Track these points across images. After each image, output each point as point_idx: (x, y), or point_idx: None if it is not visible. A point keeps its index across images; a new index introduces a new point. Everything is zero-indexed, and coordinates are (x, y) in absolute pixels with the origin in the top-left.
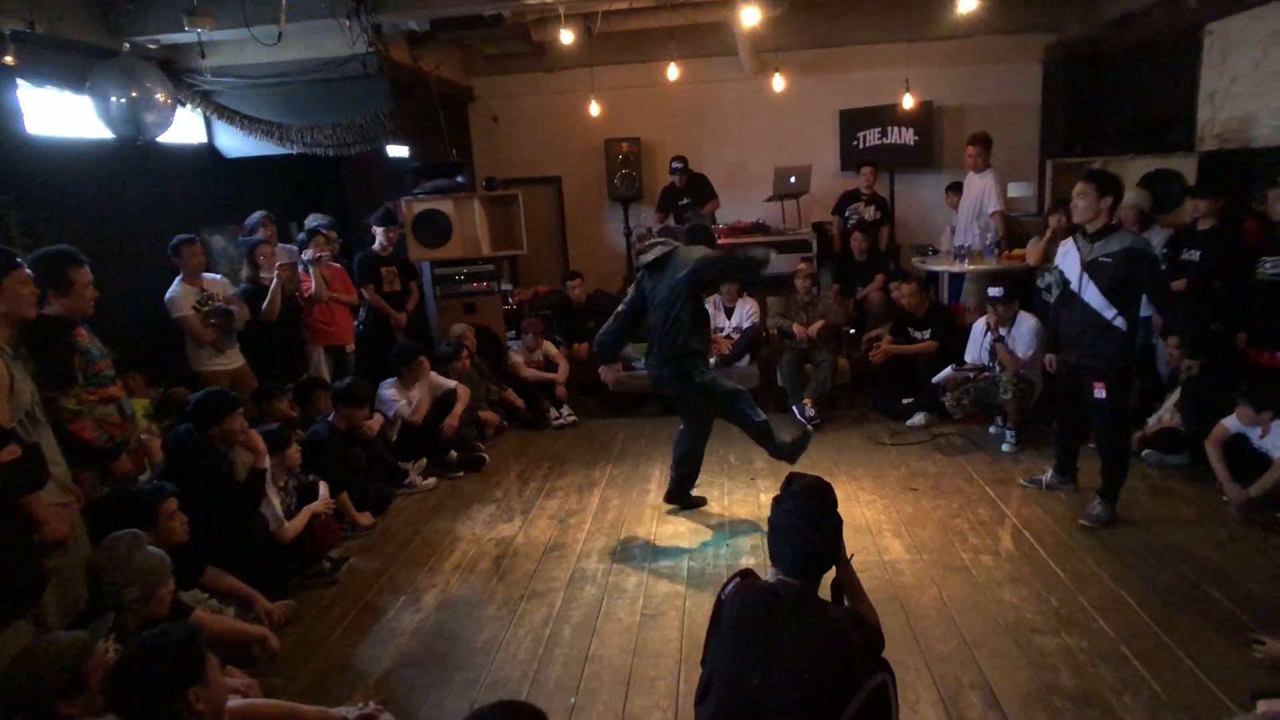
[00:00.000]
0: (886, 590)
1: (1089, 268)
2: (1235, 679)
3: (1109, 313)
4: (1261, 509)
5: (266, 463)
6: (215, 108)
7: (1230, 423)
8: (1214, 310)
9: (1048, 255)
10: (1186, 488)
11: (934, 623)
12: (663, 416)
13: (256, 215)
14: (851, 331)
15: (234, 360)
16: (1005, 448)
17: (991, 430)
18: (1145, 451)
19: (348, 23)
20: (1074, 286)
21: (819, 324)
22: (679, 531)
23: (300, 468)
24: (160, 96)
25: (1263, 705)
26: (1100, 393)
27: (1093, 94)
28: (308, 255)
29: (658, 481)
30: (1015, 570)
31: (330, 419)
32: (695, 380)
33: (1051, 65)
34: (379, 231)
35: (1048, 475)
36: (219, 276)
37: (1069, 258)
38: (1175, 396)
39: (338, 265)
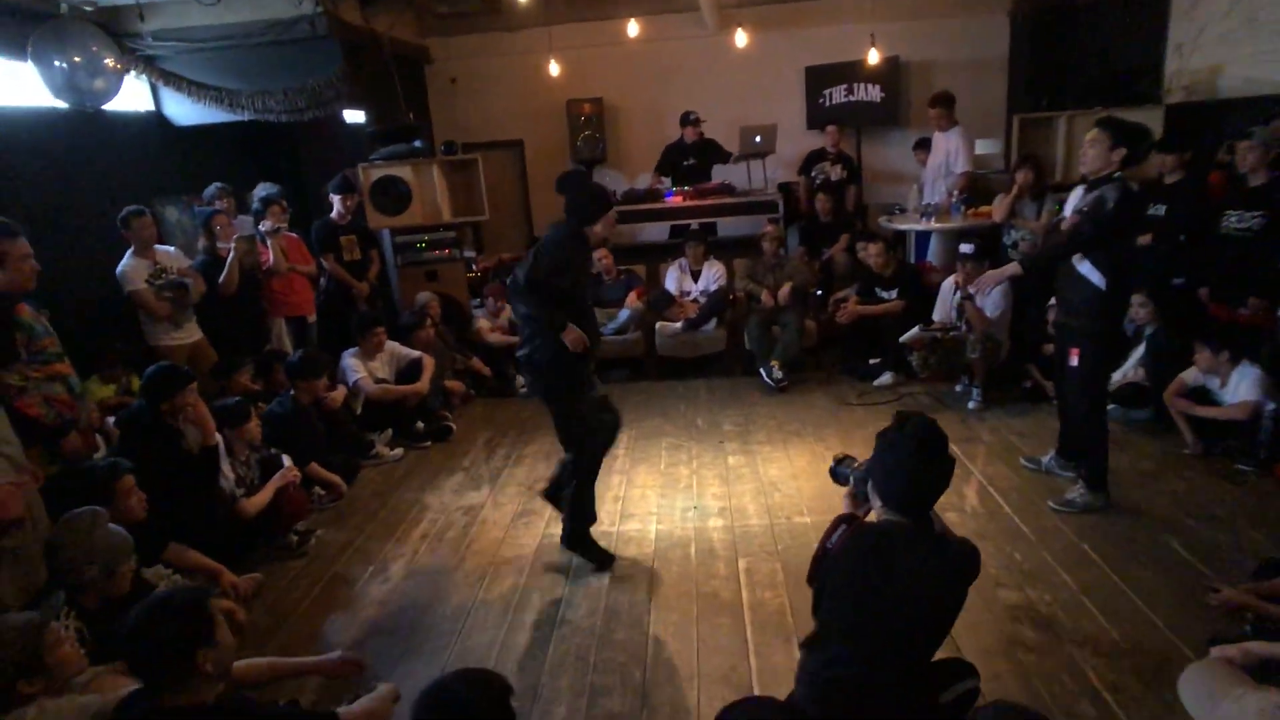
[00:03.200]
0: None
1: (1079, 214)
2: (1192, 627)
3: (1087, 268)
4: (1221, 455)
5: (217, 438)
6: (160, 74)
7: (1189, 375)
8: (1176, 264)
9: (1014, 211)
10: (1149, 442)
11: None
12: (630, 381)
13: (213, 188)
14: (818, 293)
15: (191, 334)
16: (971, 405)
17: (958, 389)
18: (1110, 406)
19: None
20: None
21: (786, 286)
22: (647, 495)
23: (262, 441)
24: (108, 61)
25: (1215, 651)
26: (1073, 359)
27: (1060, 47)
28: (264, 226)
29: (625, 445)
30: (980, 527)
31: (291, 393)
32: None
33: (1019, 19)
34: (336, 199)
35: (1048, 457)
36: (172, 249)
37: (1069, 207)
38: (1139, 352)
39: (294, 235)
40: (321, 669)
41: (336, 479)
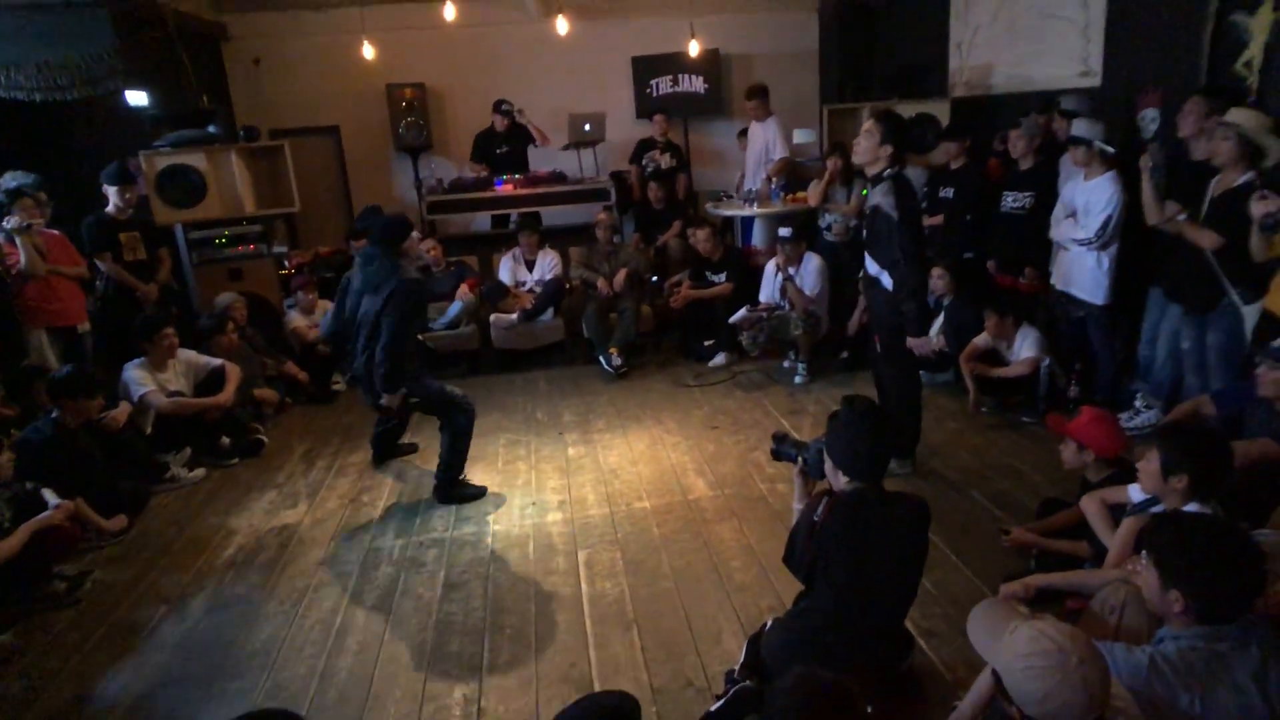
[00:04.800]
0: (690, 529)
1: (867, 218)
2: (992, 569)
3: (873, 267)
4: (1010, 411)
5: None
6: None
7: (981, 340)
8: (966, 241)
9: (827, 196)
10: (950, 402)
11: (734, 554)
12: (467, 377)
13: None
14: (654, 279)
15: None
16: (798, 380)
17: (785, 365)
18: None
19: None
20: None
21: (622, 273)
22: (483, 496)
23: (15, 476)
24: None
25: (1003, 588)
26: (877, 345)
27: (862, 42)
28: (10, 223)
29: None
30: None
31: (55, 415)
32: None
33: (826, 15)
34: (112, 191)
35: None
36: None
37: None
38: (940, 321)
39: (55, 232)
40: None
41: (113, 523)
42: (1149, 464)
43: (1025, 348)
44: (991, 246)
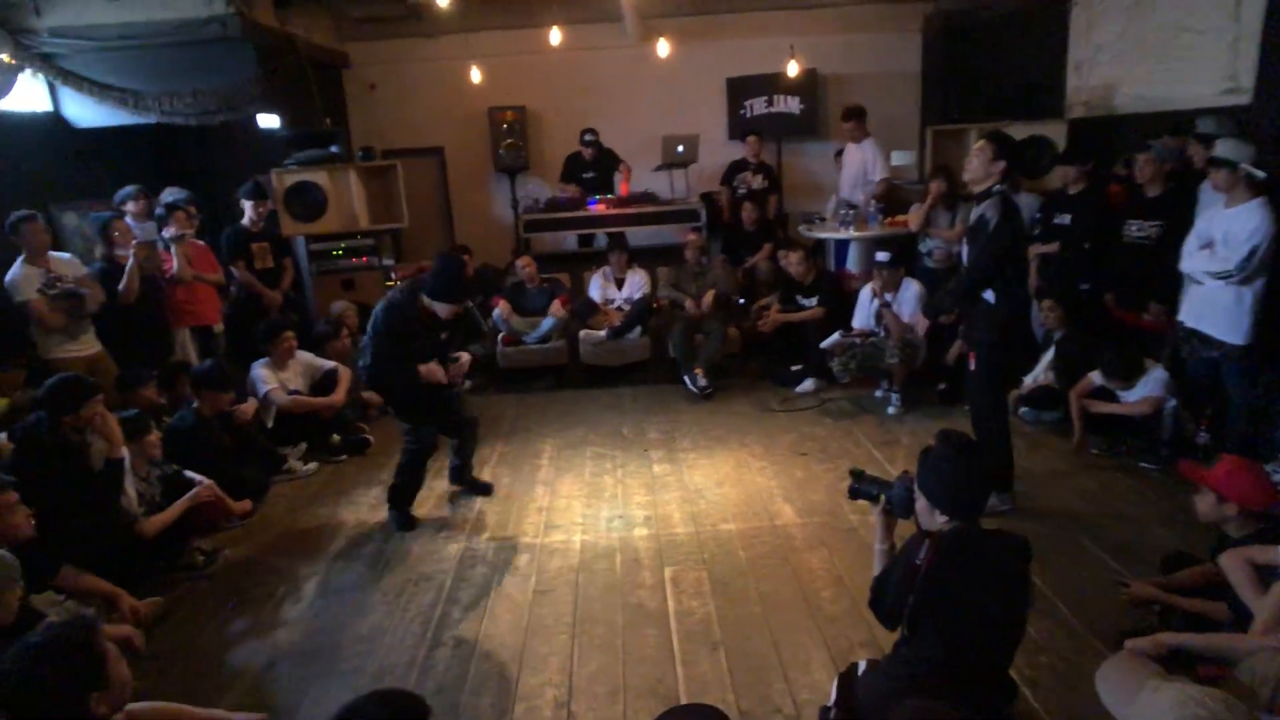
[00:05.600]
0: (778, 555)
1: (968, 233)
2: (1104, 621)
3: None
4: (1127, 456)
5: (124, 451)
6: (59, 72)
7: (1096, 376)
8: (1083, 272)
9: (928, 221)
10: (1060, 442)
11: (824, 584)
12: (555, 391)
13: (126, 190)
14: (740, 300)
15: (89, 346)
16: (891, 410)
17: (878, 394)
18: (1021, 409)
19: None
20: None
21: (710, 294)
22: (572, 506)
23: (163, 458)
24: (3, 57)
25: (1129, 644)
26: (971, 363)
27: (970, 62)
28: (168, 233)
29: (549, 456)
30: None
31: (195, 406)
32: None
33: (930, 34)
34: (248, 205)
35: None
36: (68, 256)
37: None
38: (1049, 356)
39: (200, 243)
40: None
41: (239, 505)
42: None
43: (1148, 387)
44: (1111, 278)
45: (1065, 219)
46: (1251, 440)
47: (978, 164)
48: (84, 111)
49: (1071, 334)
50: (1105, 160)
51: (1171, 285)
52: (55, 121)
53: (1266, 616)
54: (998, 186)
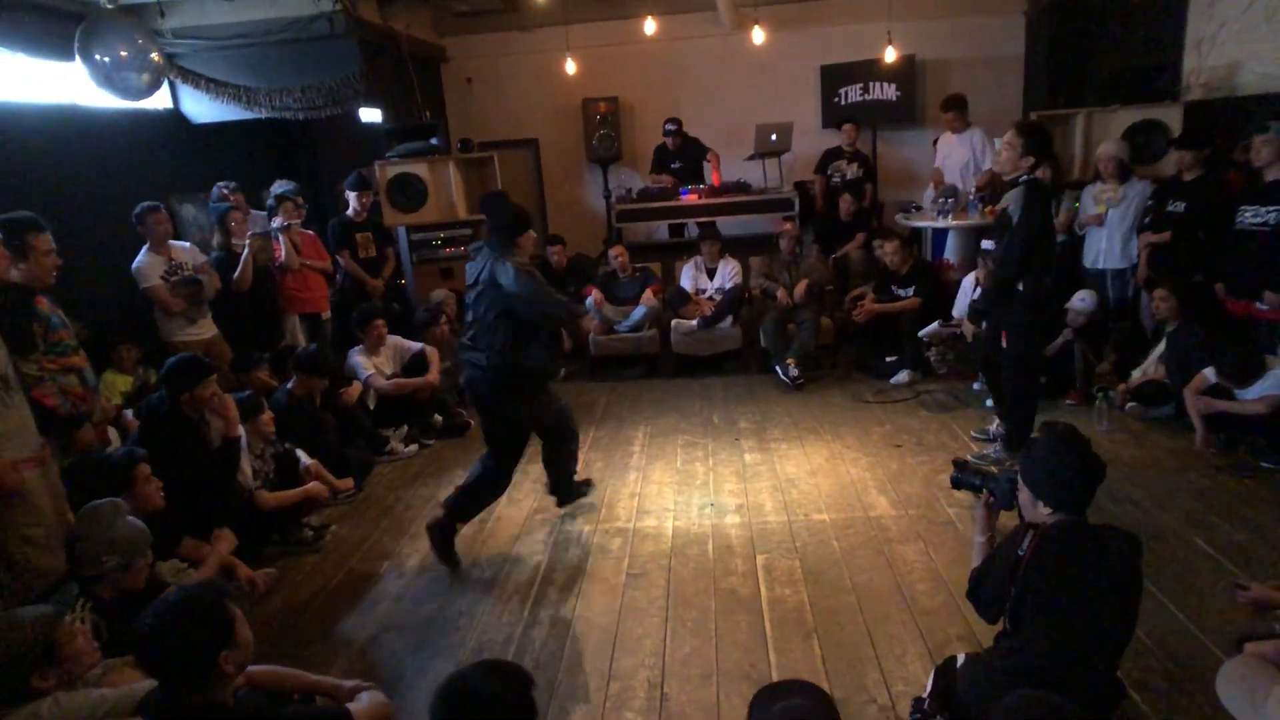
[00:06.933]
0: (872, 546)
1: (994, 224)
2: (1219, 624)
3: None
4: (1247, 454)
5: (240, 430)
6: (179, 71)
7: (1210, 373)
8: (1198, 261)
9: None
10: (1171, 439)
11: (920, 577)
12: (646, 379)
13: (220, 185)
14: (829, 289)
15: (206, 330)
16: (990, 403)
17: (975, 386)
18: (1130, 404)
19: None
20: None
21: (803, 284)
22: (663, 492)
23: (276, 436)
24: (154, 56)
25: (1249, 647)
26: (1003, 341)
27: (1077, 44)
28: (277, 223)
29: (641, 443)
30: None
31: (289, 387)
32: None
33: (1035, 16)
34: (352, 196)
35: (995, 425)
36: (188, 245)
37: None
38: (1160, 349)
39: (309, 232)
40: (336, 694)
41: (343, 483)
42: None
43: (1267, 384)
44: (1223, 267)
45: (1179, 206)
46: None
47: (1007, 157)
48: (201, 108)
49: (1184, 326)
50: (1225, 145)
51: None
52: (175, 118)
53: None
54: (1025, 176)
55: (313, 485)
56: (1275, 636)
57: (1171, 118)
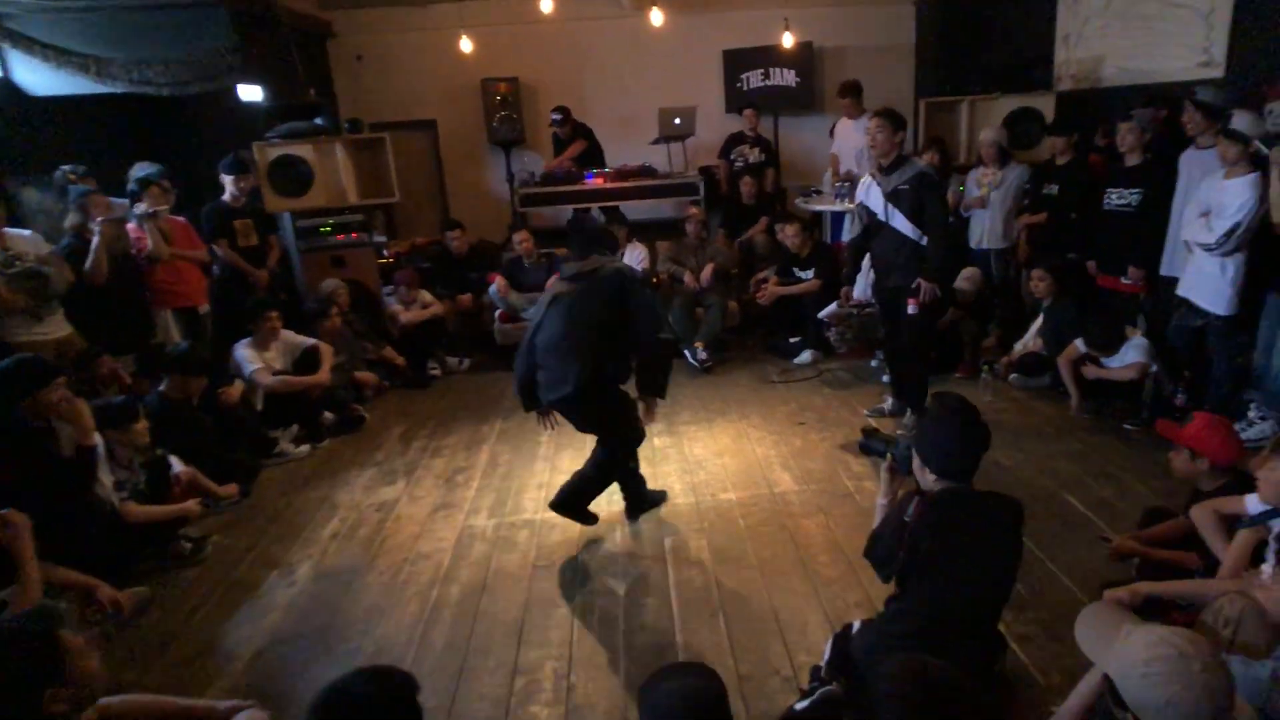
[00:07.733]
0: (775, 521)
1: (891, 197)
2: (1090, 576)
3: (916, 234)
4: (1111, 418)
5: (96, 438)
6: (7, 34)
7: (1080, 343)
8: (1070, 240)
9: None
10: (1048, 406)
11: (821, 549)
12: None
13: (60, 171)
14: (735, 273)
15: (57, 329)
16: (886, 378)
17: (873, 363)
18: (1011, 376)
19: None
20: (881, 217)
21: (709, 268)
22: None
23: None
24: None
25: (1107, 594)
26: (912, 308)
27: (962, 35)
28: (140, 209)
29: (550, 433)
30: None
31: (162, 389)
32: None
33: (924, 7)
34: (229, 180)
35: (888, 402)
36: (28, 233)
37: (871, 192)
38: (1038, 323)
39: (180, 219)
40: (211, 716)
41: (225, 489)
42: (1272, 473)
43: (1132, 353)
44: (1093, 245)
45: (1053, 189)
46: (1224, 399)
47: (883, 138)
48: (39, 78)
49: (1059, 301)
50: (1091, 131)
51: (1148, 251)
52: (5, 88)
53: (1230, 563)
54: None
55: (187, 504)
56: (1134, 583)
57: (1045, 106)
